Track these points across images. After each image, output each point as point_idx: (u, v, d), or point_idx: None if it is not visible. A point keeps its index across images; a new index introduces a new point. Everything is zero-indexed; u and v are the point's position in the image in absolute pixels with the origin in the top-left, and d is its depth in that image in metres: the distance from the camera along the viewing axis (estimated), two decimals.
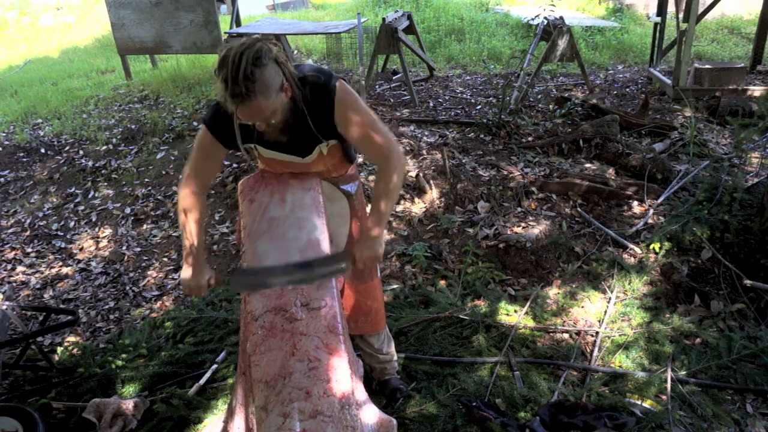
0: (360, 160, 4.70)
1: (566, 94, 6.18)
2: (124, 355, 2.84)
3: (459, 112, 6.03)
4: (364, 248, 1.85)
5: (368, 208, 1.97)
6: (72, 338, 3.32)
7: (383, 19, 6.43)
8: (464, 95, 6.65)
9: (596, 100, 5.81)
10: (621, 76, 7.55)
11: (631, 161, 4.52)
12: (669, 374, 2.45)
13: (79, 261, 4.12)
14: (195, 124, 5.96)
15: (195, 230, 1.92)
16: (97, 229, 4.49)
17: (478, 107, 6.06)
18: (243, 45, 1.60)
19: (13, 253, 4.28)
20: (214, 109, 1.84)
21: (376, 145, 1.82)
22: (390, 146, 1.82)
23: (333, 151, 1.99)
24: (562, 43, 6.10)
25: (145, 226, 4.44)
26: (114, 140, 5.83)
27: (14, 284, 3.88)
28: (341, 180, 2.14)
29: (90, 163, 5.38)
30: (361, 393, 1.72)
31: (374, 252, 1.84)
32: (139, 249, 4.18)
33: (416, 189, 4.25)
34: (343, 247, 2.13)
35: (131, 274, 3.91)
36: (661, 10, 7.06)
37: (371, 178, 4.43)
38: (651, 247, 3.43)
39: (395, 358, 2.47)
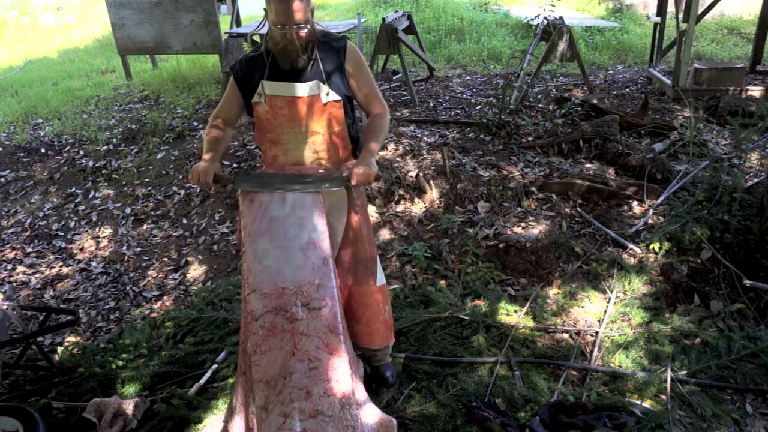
0: None
1: (566, 94, 6.18)
2: (124, 355, 2.84)
3: (459, 112, 6.03)
4: (360, 165, 2.04)
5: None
6: (72, 338, 3.32)
7: (383, 19, 6.43)
8: (464, 95, 6.65)
9: (596, 100, 5.81)
10: (621, 76, 7.55)
11: (631, 161, 4.52)
12: (669, 374, 2.45)
13: (80, 261, 4.12)
14: (195, 124, 5.96)
15: (216, 139, 2.17)
16: (97, 229, 4.49)
17: (478, 107, 6.06)
18: None
19: (14, 253, 4.28)
20: (241, 58, 2.16)
21: (377, 98, 2.20)
22: (384, 102, 2.21)
23: (334, 110, 2.11)
24: (562, 44, 6.10)
25: (145, 226, 4.44)
26: (114, 140, 5.84)
27: (14, 284, 3.88)
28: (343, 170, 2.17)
29: (90, 163, 5.38)
30: (361, 393, 1.73)
31: (369, 168, 2.03)
32: (139, 249, 4.18)
33: (416, 189, 4.24)
34: (340, 240, 2.13)
35: (131, 274, 3.91)
36: (661, 10, 7.06)
37: None
38: (651, 247, 3.43)
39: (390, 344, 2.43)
